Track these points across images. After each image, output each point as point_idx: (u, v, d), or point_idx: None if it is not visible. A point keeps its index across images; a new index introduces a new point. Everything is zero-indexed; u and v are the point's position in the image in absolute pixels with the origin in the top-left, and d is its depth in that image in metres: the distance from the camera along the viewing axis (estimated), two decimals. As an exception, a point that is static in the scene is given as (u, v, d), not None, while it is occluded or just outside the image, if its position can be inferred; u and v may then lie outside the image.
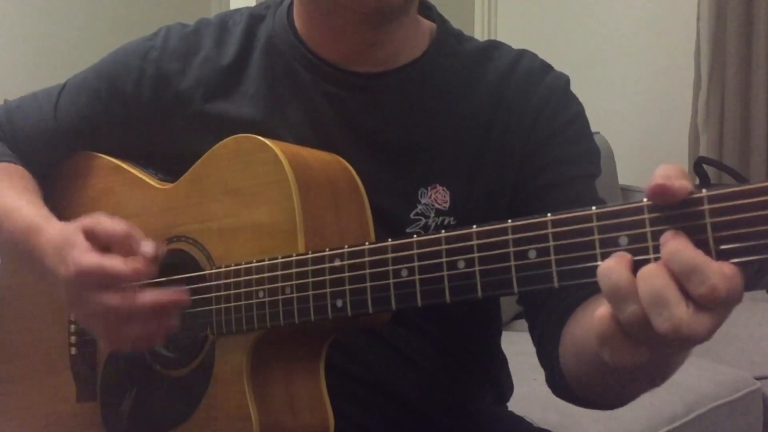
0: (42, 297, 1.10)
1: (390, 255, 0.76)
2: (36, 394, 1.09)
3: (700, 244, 0.59)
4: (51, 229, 0.96)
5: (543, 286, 0.67)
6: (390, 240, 0.77)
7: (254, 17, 1.04)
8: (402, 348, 1.01)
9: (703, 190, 0.59)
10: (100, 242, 0.90)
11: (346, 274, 0.79)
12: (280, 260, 0.84)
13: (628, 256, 0.61)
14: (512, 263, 0.68)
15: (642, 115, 3.21)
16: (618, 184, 2.75)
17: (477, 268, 0.70)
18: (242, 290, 0.87)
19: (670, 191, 0.59)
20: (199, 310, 0.91)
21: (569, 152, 0.98)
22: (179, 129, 1.02)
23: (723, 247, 0.58)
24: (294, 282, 0.82)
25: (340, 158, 0.94)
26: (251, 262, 0.86)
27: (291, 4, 1.03)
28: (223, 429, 0.88)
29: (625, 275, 0.60)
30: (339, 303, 0.79)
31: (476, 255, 0.70)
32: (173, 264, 0.95)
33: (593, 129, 1.03)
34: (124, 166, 1.05)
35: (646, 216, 0.62)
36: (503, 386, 1.14)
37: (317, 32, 0.99)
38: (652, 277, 0.59)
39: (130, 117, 1.04)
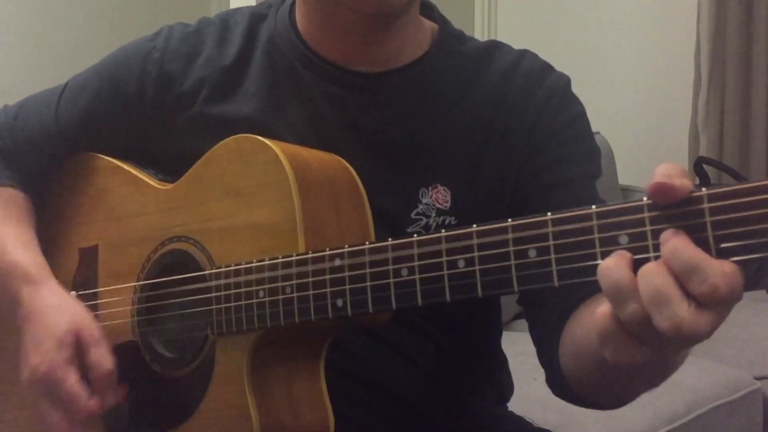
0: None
1: (390, 254, 0.76)
2: (36, 394, 1.09)
3: (700, 242, 0.59)
4: (46, 297, 0.99)
5: (543, 285, 0.67)
6: (390, 239, 0.77)
7: (256, 17, 1.04)
8: (402, 348, 1.01)
9: (703, 189, 0.59)
10: (81, 357, 0.95)
11: (347, 274, 0.79)
12: (280, 260, 0.84)
13: (628, 254, 0.61)
14: (512, 262, 0.68)
15: (642, 115, 3.21)
16: (618, 184, 2.76)
17: (477, 267, 0.70)
18: (242, 290, 0.87)
19: (671, 190, 0.59)
20: (199, 310, 0.91)
21: (570, 152, 0.98)
22: (180, 129, 1.02)
23: (723, 245, 0.58)
24: (294, 282, 0.82)
25: (340, 158, 0.94)
26: (251, 262, 0.86)
27: (293, 4, 1.03)
28: (224, 429, 0.88)
29: (625, 274, 0.60)
30: (339, 302, 0.79)
31: (476, 254, 0.70)
32: (173, 264, 0.95)
33: (593, 129, 1.04)
34: (125, 166, 1.05)
35: (646, 215, 0.62)
36: (503, 386, 1.14)
37: (319, 32, 0.99)
38: (653, 275, 0.59)
39: (131, 118, 1.04)
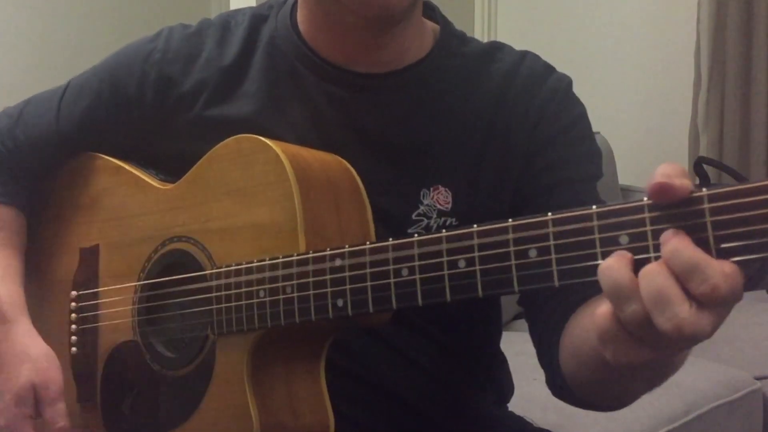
0: (41, 300, 1.10)
1: (391, 254, 0.76)
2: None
3: (701, 242, 0.59)
4: (13, 342, 1.02)
5: (543, 285, 0.67)
6: (391, 239, 0.77)
7: (257, 17, 1.04)
8: (402, 348, 1.01)
9: (703, 189, 0.59)
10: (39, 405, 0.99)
11: (347, 274, 0.79)
12: (280, 260, 0.84)
13: (629, 255, 0.61)
14: (513, 262, 0.68)
15: (642, 115, 3.21)
16: (618, 184, 2.75)
17: (477, 267, 0.71)
18: (243, 290, 0.87)
19: (671, 190, 0.59)
20: (199, 309, 0.91)
21: (571, 154, 0.98)
22: (181, 130, 1.02)
23: (723, 245, 0.58)
24: (295, 282, 0.83)
25: (341, 159, 0.94)
26: (252, 262, 0.86)
27: (294, 5, 1.03)
28: (224, 429, 0.88)
29: (625, 274, 0.60)
30: (340, 302, 0.80)
31: (477, 254, 0.71)
32: (174, 264, 0.96)
33: (593, 129, 1.04)
34: (125, 166, 1.05)
35: (646, 215, 0.62)
36: (503, 386, 1.14)
37: (321, 33, 0.99)
38: (654, 276, 0.59)
39: (132, 119, 1.05)
